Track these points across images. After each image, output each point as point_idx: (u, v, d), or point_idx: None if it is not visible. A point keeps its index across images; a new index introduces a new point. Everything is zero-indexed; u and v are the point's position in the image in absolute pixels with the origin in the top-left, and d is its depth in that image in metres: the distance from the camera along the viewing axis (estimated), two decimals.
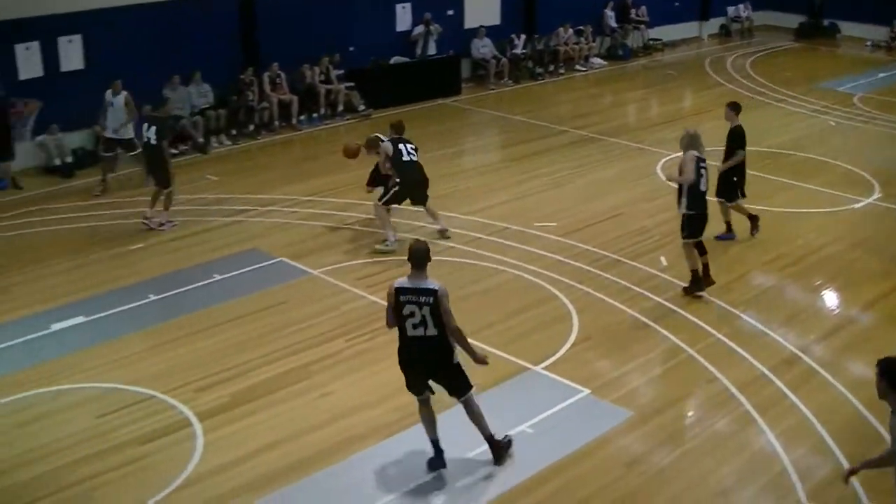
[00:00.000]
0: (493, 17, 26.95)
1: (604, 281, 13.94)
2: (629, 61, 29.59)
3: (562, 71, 27.59)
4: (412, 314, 8.92)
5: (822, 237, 15.85)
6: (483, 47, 26.21)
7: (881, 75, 28.74)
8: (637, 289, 13.63)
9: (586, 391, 10.98)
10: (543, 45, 27.62)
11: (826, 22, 34.77)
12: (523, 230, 15.82)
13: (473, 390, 9.41)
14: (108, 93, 17.77)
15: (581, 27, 28.51)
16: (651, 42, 31.09)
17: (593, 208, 16.89)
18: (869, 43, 33.19)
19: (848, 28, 34.28)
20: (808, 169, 19.37)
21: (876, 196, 17.80)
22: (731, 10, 34.65)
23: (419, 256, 9.00)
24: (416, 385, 9.32)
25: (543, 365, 11.53)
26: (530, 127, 22.21)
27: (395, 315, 9.01)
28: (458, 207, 16.77)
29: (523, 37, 27.28)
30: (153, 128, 15.86)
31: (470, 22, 26.34)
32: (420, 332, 8.95)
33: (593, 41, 28.90)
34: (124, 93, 17.70)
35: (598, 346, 12.11)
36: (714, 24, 33.96)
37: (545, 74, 27.20)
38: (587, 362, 11.71)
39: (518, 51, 27.02)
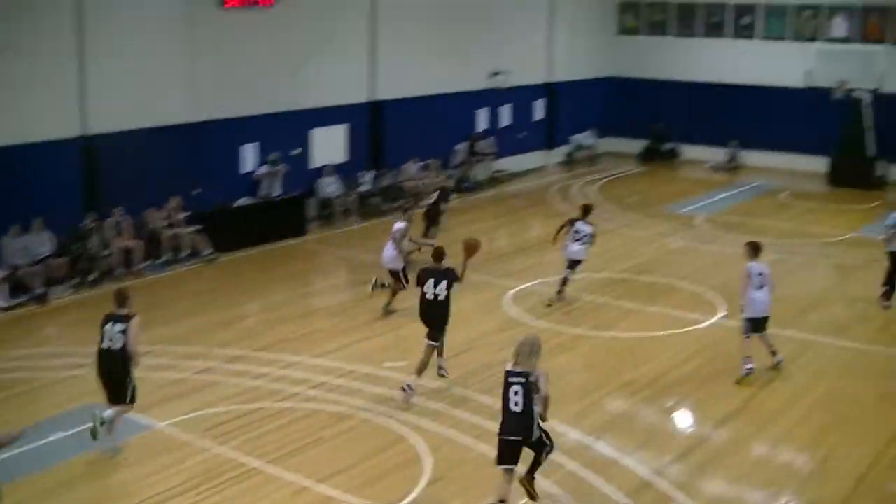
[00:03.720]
0: (339, 154, 27.36)
1: (456, 418, 14.10)
2: (476, 193, 30.30)
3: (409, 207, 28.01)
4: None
5: (671, 359, 16.40)
6: (330, 185, 26.54)
7: (721, 196, 30.15)
8: (490, 424, 13.77)
9: None
10: (391, 181, 28.13)
11: (668, 146, 36.43)
12: (374, 372, 15.91)
13: None
14: None
15: (428, 161, 29.15)
16: (498, 173, 31.96)
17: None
18: (709, 164, 34.80)
19: (689, 151, 36.01)
20: (654, 292, 20.08)
21: (721, 315, 18.53)
22: (575, 138, 35.93)
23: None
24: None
25: None
26: (378, 265, 22.41)
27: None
28: (309, 350, 16.79)
29: (370, 173, 27.75)
30: None
31: (316, 161, 26.71)
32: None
33: (440, 175, 29.52)
34: None
35: (451, 486, 12.18)
36: (560, 153, 35.17)
37: (393, 211, 27.58)
38: (441, 502, 11.76)
39: (365, 188, 27.44)
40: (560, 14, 34.89)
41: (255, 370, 15.83)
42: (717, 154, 35.05)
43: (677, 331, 17.70)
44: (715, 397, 14.99)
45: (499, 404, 11.17)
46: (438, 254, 15.75)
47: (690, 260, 22.86)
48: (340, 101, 27.21)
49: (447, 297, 14.98)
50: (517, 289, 20.18)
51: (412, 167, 28.70)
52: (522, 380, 10.93)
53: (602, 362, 16.46)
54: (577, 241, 19.11)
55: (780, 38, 34.71)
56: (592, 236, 19.21)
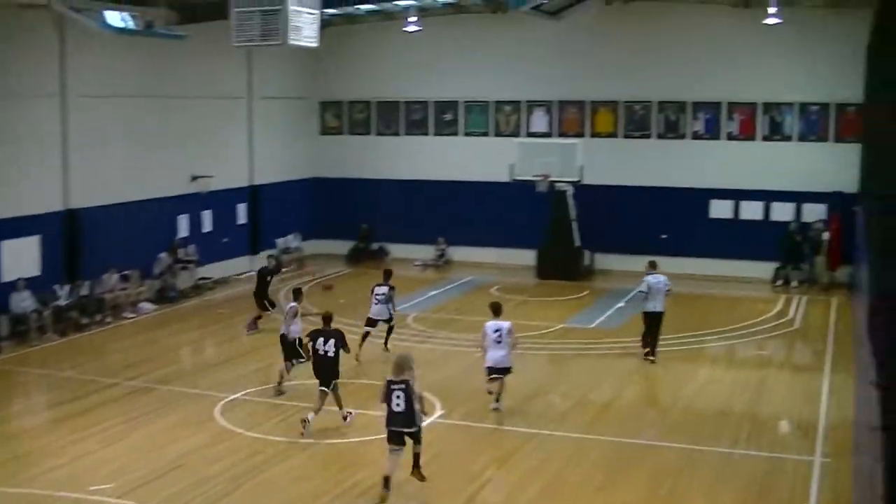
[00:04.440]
0: (32, 267, 26.26)
1: None
2: (180, 303, 29.73)
3: (109, 319, 27.14)
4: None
5: None
6: (23, 301, 25.38)
7: (432, 293, 30.82)
8: None
9: None
10: (89, 294, 27.19)
11: (376, 245, 37.04)
12: (78, 497, 15.19)
13: None
14: None
15: (127, 272, 28.40)
16: (202, 281, 31.54)
17: (152, 462, 16.54)
18: (418, 262, 35.58)
19: (397, 250, 36.68)
20: (369, 395, 20.04)
21: (439, 414, 18.84)
22: (280, 241, 35.96)
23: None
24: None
25: None
26: (79, 383, 21.57)
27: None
28: (8, 480, 15.84)
29: (67, 286, 26.74)
30: None
31: (7, 275, 25.49)
32: None
33: (141, 285, 28.84)
34: None
35: None
36: (264, 257, 34.99)
37: (92, 325, 26.66)
38: None
39: (62, 301, 26.41)
40: (260, 115, 35.18)
41: None
42: (426, 251, 35.94)
43: None
44: (439, 496, 15.18)
45: None
46: (327, 317, 18.72)
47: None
48: (32, 211, 26.25)
49: (336, 353, 18.11)
50: (226, 400, 19.85)
51: (111, 278, 27.86)
52: (403, 386, 14.81)
53: (321, 471, 16.34)
54: (376, 303, 23.18)
55: (483, 133, 36.23)
56: (389, 297, 23.19)
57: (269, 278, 26.83)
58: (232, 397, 20.12)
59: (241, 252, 34.42)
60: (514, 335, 19.12)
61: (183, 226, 31.73)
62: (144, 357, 23.80)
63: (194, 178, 31.57)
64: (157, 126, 30.50)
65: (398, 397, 14.76)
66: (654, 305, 22.75)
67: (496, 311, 19.21)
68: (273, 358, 22.70)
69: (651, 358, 22.78)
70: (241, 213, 34.65)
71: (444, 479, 15.79)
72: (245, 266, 34.07)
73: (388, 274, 24.02)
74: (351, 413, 18.28)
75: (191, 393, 20.51)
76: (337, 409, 18.22)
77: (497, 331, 18.73)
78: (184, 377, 21.95)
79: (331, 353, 18.01)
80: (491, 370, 18.92)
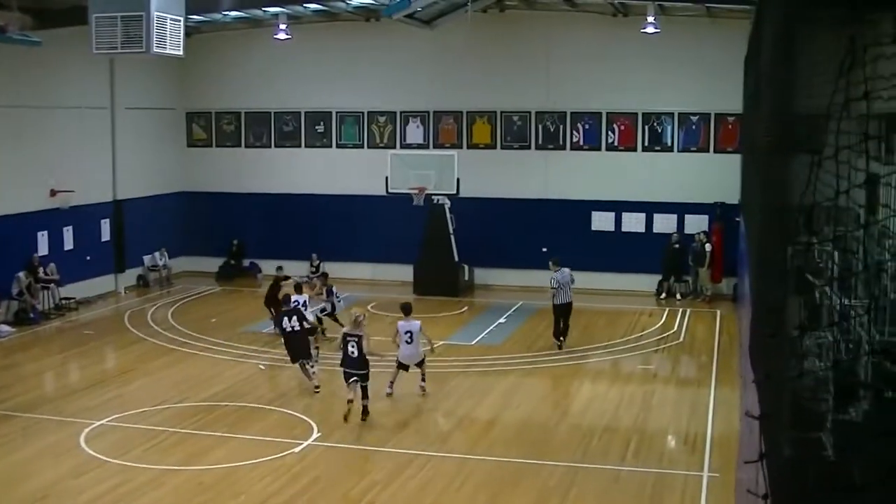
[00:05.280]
0: None
1: None
2: (41, 324, 28.85)
3: None
4: None
5: (266, 488, 16.11)
6: None
7: (309, 311, 30.35)
8: None
9: None
10: None
11: (247, 262, 36.53)
12: None
13: None
14: None
15: None
16: (64, 301, 30.66)
17: (14, 496, 15.89)
18: (291, 280, 35.10)
19: (269, 266, 36.09)
20: (243, 418, 19.80)
21: (315, 436, 18.54)
22: (147, 258, 35.24)
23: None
24: None
25: None
26: None
27: None
28: None
29: None
30: None
31: None
32: None
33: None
34: None
35: None
36: (131, 276, 34.28)
37: None
38: None
39: None
40: (124, 126, 34.26)
41: None
42: (299, 268, 35.50)
43: (271, 457, 17.46)
44: None
45: None
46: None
47: (278, 382, 22.82)
48: None
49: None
50: (92, 426, 19.22)
51: None
52: (356, 338, 19.24)
53: (190, 499, 15.87)
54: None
55: (357, 145, 36.01)
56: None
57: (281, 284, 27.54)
58: (98, 423, 19.49)
59: (105, 270, 33.50)
60: (426, 333, 21.39)
61: (42, 243, 30.73)
62: (3, 383, 22.91)
63: (54, 193, 30.67)
64: (12, 137, 29.45)
65: (352, 346, 19.21)
66: (564, 297, 25.39)
67: (406, 311, 21.51)
68: (139, 382, 22.24)
69: (559, 342, 25.66)
70: (105, 229, 33.74)
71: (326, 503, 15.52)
72: (110, 286, 33.25)
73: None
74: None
75: (54, 420, 19.81)
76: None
77: (408, 331, 20.98)
78: (47, 403, 21.20)
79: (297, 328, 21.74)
80: (401, 365, 21.18)
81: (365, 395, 19.37)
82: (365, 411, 19.38)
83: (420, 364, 21.36)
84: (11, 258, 29.10)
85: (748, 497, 12.04)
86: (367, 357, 19.43)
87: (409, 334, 20.98)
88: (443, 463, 17.49)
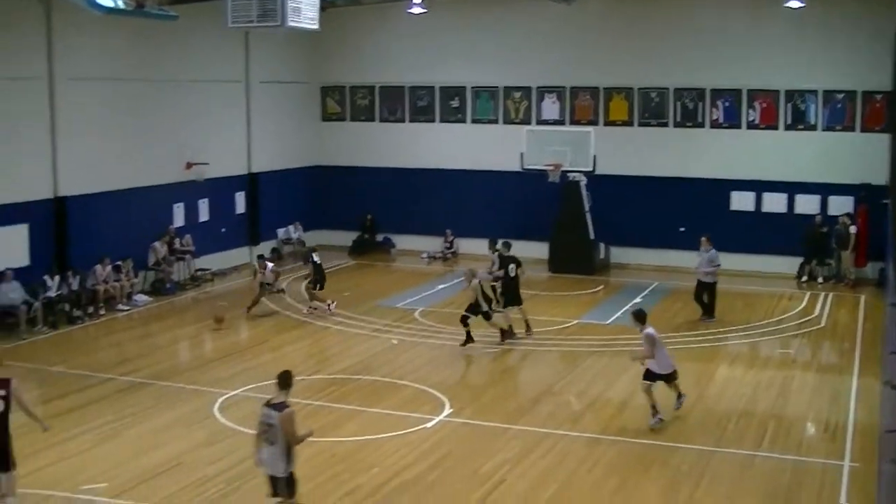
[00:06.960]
0: (20, 258, 26.14)
1: None
2: (177, 295, 29.70)
3: (102, 312, 27.05)
4: None
5: (398, 462, 16.42)
6: (12, 292, 25.25)
7: (440, 287, 30.73)
8: None
9: None
10: (80, 285, 27.08)
11: (380, 237, 36.96)
12: (70, 496, 15.12)
13: None
14: None
15: (120, 262, 28.23)
16: (199, 273, 31.47)
17: (148, 461, 16.47)
18: (425, 255, 35.49)
19: (403, 241, 36.66)
20: (375, 392, 20.13)
21: (447, 412, 18.76)
22: (281, 231, 35.94)
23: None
24: None
25: None
26: (72, 378, 21.46)
27: None
28: None
29: (57, 277, 26.63)
30: None
31: None
32: None
33: (135, 277, 28.71)
34: None
35: None
36: (265, 248, 34.93)
37: (84, 317, 26.56)
38: None
39: (52, 293, 26.30)
40: (259, 100, 35.00)
41: None
42: (433, 243, 35.82)
43: (403, 431, 17.76)
44: (451, 498, 15.08)
45: None
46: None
47: (411, 356, 23.09)
48: (19, 199, 26.14)
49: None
50: (225, 396, 19.77)
51: (104, 269, 27.69)
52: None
53: (323, 470, 16.23)
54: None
55: (492, 120, 36.10)
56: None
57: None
58: (231, 394, 20.04)
59: (239, 243, 34.30)
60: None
61: (178, 215, 31.60)
62: (139, 352, 23.73)
63: (189, 166, 31.45)
64: (149, 111, 30.35)
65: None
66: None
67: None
68: (272, 354, 22.79)
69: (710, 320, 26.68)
70: (240, 202, 34.53)
71: (455, 481, 15.72)
72: (244, 258, 33.99)
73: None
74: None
75: (188, 389, 20.42)
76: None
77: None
78: (181, 373, 21.85)
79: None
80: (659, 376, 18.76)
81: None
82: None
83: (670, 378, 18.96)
84: (148, 230, 29.98)
85: (891, 488, 11.87)
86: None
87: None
88: (573, 443, 17.55)
